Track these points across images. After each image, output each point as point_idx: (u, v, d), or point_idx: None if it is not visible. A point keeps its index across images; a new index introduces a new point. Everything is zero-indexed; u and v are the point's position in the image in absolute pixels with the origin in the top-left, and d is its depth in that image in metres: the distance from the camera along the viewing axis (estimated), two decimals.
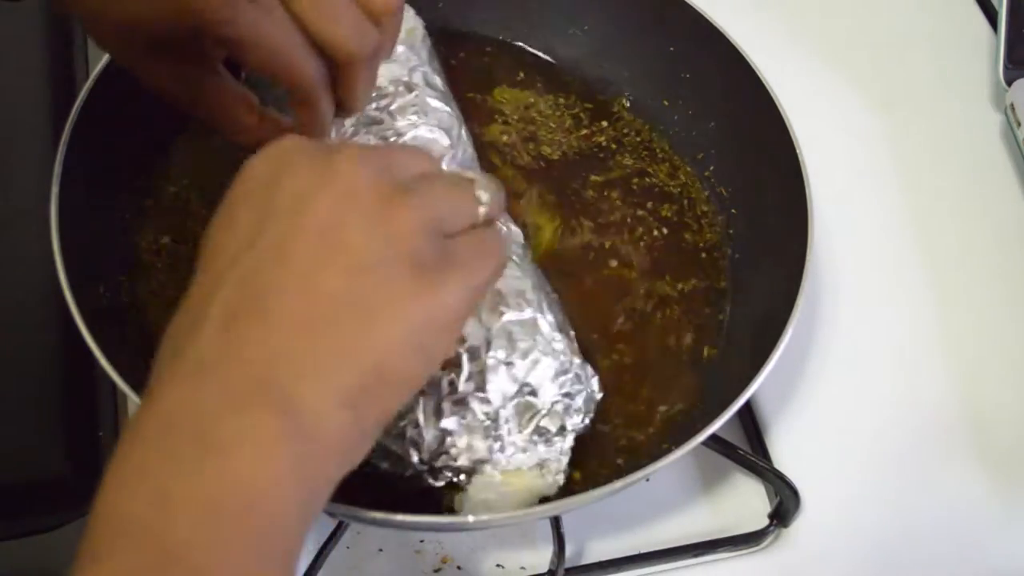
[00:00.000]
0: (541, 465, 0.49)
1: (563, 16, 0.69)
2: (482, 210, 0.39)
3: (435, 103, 0.58)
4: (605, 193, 0.65)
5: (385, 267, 0.35)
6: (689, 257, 0.63)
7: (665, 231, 0.64)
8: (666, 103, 0.67)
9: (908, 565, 0.58)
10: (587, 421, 0.51)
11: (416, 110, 0.56)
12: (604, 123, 0.68)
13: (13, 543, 0.54)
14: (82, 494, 0.55)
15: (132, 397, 0.47)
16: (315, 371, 0.33)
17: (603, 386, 0.52)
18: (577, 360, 0.51)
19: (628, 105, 0.68)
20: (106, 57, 0.56)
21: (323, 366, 0.33)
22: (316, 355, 0.33)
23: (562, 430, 0.49)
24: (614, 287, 0.61)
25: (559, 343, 0.50)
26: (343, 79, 0.45)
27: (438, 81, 0.60)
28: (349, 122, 0.55)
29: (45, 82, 0.67)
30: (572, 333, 0.52)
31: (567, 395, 0.49)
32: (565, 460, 0.50)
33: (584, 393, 0.50)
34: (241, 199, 0.37)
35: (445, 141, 0.56)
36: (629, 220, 0.64)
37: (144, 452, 0.32)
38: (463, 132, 0.59)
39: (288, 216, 0.35)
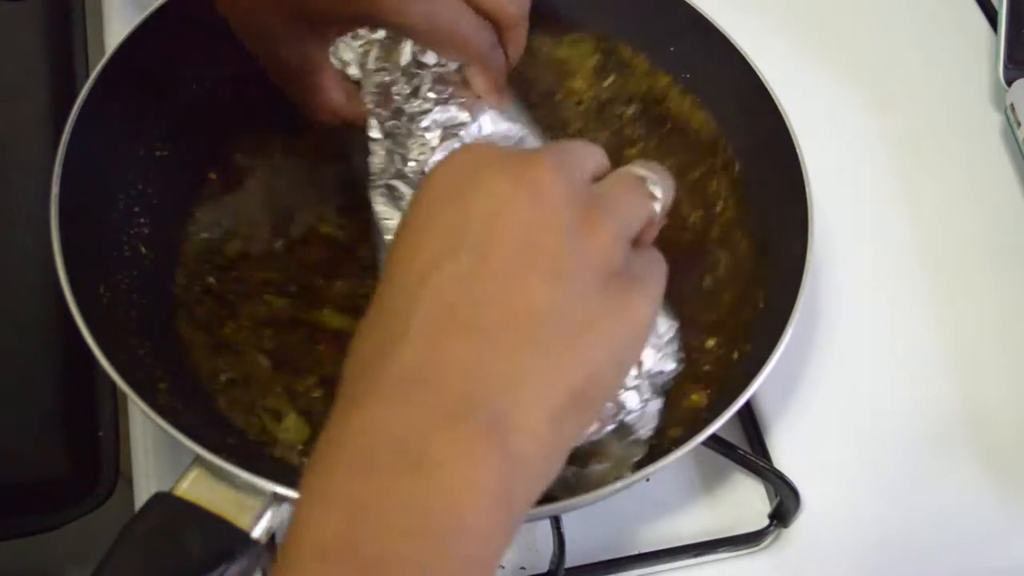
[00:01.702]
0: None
1: (563, 15, 0.69)
2: (657, 207, 0.38)
3: None
4: None
5: (583, 279, 0.34)
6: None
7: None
8: None
9: (908, 565, 0.58)
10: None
11: None
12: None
13: (13, 543, 0.54)
14: (82, 494, 0.56)
15: (132, 397, 0.47)
16: (526, 389, 0.32)
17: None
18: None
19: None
20: (106, 57, 0.56)
21: (534, 384, 0.32)
22: (526, 372, 0.32)
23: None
24: None
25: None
26: (508, 39, 0.47)
27: None
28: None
29: (45, 82, 0.67)
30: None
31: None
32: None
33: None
34: (433, 206, 0.35)
35: None
36: None
37: (346, 472, 0.31)
38: None
39: (487, 223, 0.33)
